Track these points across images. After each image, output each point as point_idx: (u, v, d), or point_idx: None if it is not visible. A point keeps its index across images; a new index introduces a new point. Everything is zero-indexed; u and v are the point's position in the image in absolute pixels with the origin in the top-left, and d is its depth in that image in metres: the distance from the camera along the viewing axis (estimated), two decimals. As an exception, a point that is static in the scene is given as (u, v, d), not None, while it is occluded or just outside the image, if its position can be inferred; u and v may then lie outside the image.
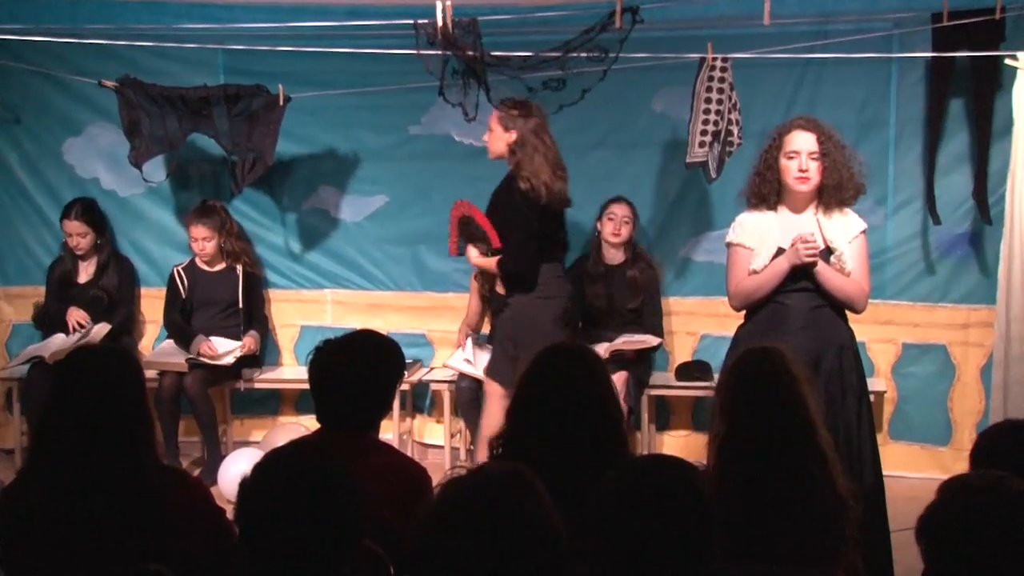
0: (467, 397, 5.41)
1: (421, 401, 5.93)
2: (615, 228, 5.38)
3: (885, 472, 3.88)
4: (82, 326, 5.62)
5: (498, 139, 4.72)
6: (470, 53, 4.64)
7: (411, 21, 4.68)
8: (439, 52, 4.68)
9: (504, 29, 4.93)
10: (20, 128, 5.89)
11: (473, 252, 4.81)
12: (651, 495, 1.97)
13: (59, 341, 5.54)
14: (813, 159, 3.78)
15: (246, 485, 2.15)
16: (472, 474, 1.97)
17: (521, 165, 4.64)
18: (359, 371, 2.82)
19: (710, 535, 1.99)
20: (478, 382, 5.35)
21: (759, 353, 2.80)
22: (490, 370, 4.87)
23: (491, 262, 4.76)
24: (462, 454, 5.72)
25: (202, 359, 5.46)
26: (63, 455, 2.56)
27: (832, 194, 3.81)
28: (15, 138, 5.91)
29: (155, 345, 5.88)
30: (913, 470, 5.21)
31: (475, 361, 5.39)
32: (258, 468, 2.18)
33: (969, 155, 5.12)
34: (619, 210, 5.39)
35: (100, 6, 5.48)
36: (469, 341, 5.52)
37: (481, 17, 4.71)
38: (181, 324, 5.69)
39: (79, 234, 5.68)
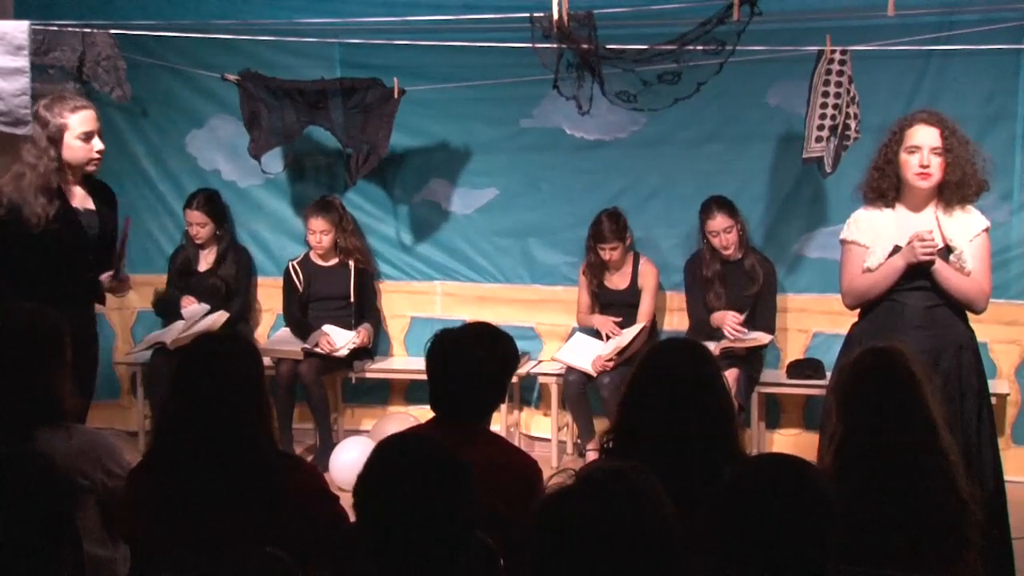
0: (574, 391, 5.41)
1: (529, 394, 5.95)
2: (722, 242, 5.29)
3: (1007, 477, 3.75)
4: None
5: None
6: (585, 46, 4.63)
7: (526, 14, 4.70)
8: (554, 45, 4.68)
9: (619, 22, 4.91)
10: (146, 120, 6.08)
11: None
12: (774, 494, 1.95)
13: (179, 328, 5.71)
14: (936, 154, 3.66)
15: (364, 471, 2.19)
16: (588, 471, 1.97)
17: None
18: (476, 361, 2.84)
19: (831, 536, 1.96)
20: (586, 376, 5.35)
21: (880, 352, 2.74)
22: None
23: None
24: (569, 447, 5.73)
25: (318, 350, 5.57)
26: (185, 439, 2.63)
27: (954, 191, 3.70)
28: (142, 130, 6.10)
29: (271, 333, 6.03)
30: (1036, 476, 5.03)
31: (584, 354, 5.40)
32: (377, 455, 2.22)
33: (1103, 150, 4.92)
34: (716, 224, 5.27)
35: (223, 2, 5.66)
36: (578, 334, 5.51)
37: (597, 10, 4.70)
38: (299, 318, 5.79)
39: (199, 224, 5.85)
